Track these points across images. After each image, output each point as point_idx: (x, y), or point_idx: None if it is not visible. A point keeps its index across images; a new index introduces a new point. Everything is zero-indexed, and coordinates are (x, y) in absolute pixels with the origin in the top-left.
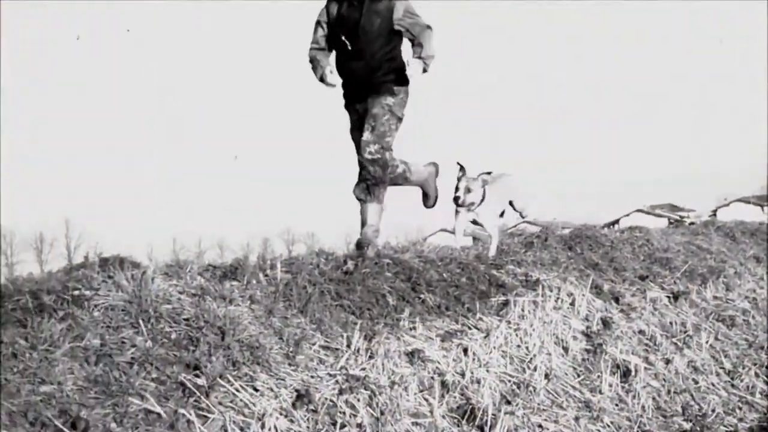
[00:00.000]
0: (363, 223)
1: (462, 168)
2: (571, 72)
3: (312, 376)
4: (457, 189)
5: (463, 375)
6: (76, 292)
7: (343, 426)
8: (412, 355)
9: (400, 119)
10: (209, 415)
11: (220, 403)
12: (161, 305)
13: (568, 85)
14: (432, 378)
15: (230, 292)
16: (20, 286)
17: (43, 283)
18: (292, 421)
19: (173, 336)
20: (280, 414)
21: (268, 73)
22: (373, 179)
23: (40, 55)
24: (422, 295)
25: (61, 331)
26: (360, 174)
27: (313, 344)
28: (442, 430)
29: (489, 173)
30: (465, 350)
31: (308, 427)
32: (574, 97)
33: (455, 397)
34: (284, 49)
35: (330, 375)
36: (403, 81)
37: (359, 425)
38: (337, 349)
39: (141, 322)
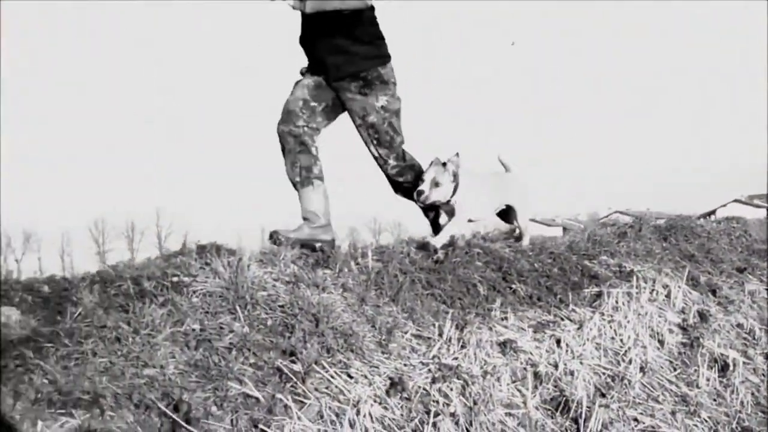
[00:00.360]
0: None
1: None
2: (566, 66)
3: (405, 365)
4: (421, 181)
5: (556, 366)
6: (175, 279)
7: (436, 414)
8: (504, 346)
9: (397, 111)
10: (305, 401)
11: (315, 389)
12: (257, 292)
13: (564, 79)
14: (525, 369)
15: (323, 279)
16: (121, 272)
17: (143, 270)
18: (386, 409)
19: (269, 322)
20: (375, 401)
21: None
22: (411, 184)
23: (40, 55)
24: (513, 285)
25: (162, 316)
26: (394, 185)
27: (405, 333)
28: (536, 422)
29: (456, 155)
30: (558, 341)
31: (402, 415)
32: (569, 91)
33: (548, 389)
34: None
35: (423, 363)
36: (385, 50)
37: (452, 414)
38: (429, 338)
39: (238, 308)
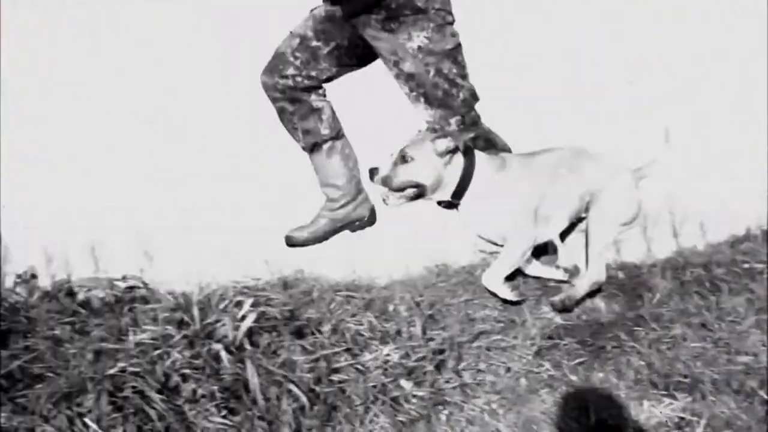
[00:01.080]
0: None
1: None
2: (608, 49)
3: None
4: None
5: None
6: (746, 265)
7: None
8: None
9: (449, 53)
10: None
11: None
12: None
13: (605, 63)
14: None
15: None
16: (689, 259)
17: (711, 256)
18: None
19: None
20: None
21: None
22: None
23: (41, 55)
24: None
25: (742, 303)
26: None
27: None
28: None
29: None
30: None
31: None
32: (611, 75)
33: None
34: None
35: None
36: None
37: None
38: None
39: None
